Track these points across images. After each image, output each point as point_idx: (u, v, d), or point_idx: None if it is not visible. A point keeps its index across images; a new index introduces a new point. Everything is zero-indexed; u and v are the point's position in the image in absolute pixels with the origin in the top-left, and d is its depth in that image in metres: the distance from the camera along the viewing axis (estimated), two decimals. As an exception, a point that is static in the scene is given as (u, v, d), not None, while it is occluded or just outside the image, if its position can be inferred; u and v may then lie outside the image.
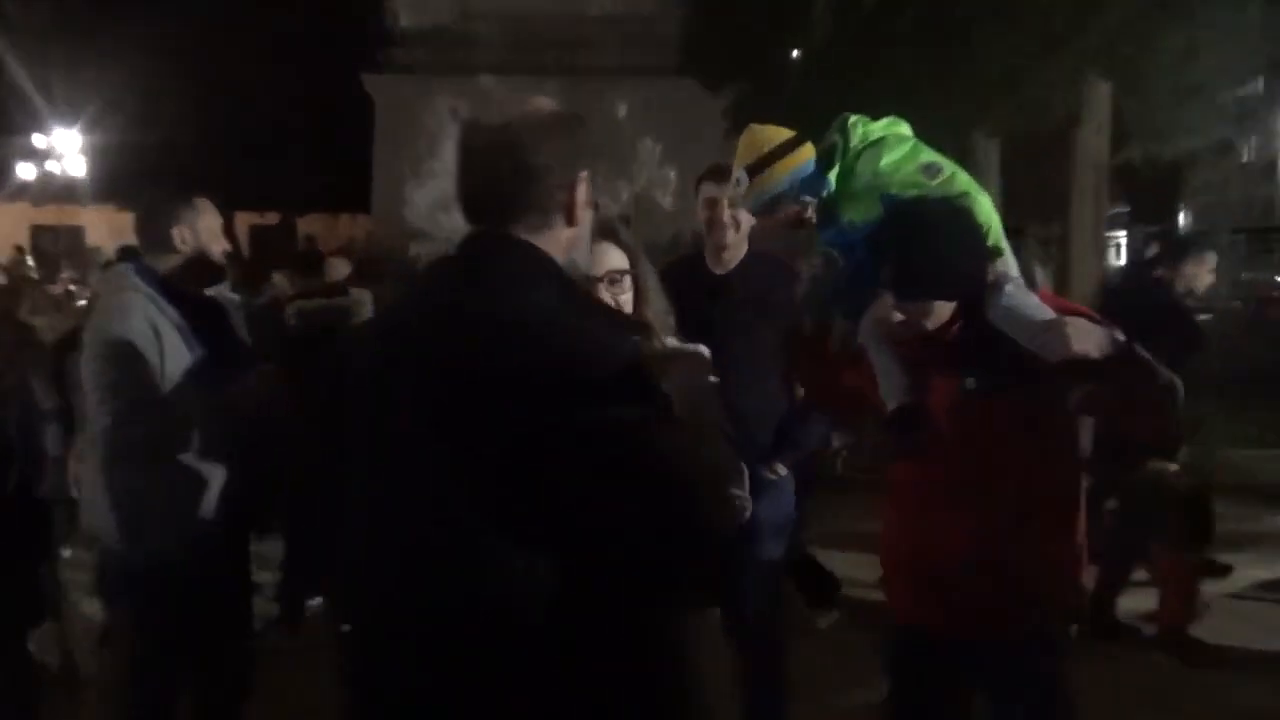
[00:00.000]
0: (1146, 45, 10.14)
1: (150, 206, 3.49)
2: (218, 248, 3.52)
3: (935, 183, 2.49)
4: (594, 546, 1.65)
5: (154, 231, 3.43)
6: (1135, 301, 5.53)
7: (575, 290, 1.77)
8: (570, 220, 1.77)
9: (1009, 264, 2.54)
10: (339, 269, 7.12)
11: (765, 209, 2.65)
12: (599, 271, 2.25)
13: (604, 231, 2.25)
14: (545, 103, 1.82)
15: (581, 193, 1.76)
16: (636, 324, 2.18)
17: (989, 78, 10.28)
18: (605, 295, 2.26)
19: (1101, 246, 12.85)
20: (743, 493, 2.46)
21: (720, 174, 3.67)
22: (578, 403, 1.59)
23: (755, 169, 2.60)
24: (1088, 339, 2.27)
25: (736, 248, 3.66)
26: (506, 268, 1.72)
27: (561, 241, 1.77)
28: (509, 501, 1.62)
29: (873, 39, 11.22)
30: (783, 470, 3.70)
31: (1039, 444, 2.53)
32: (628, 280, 2.30)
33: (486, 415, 1.61)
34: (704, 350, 2.08)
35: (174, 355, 3.26)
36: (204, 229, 3.47)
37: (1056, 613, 2.64)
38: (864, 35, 11.38)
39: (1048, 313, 2.38)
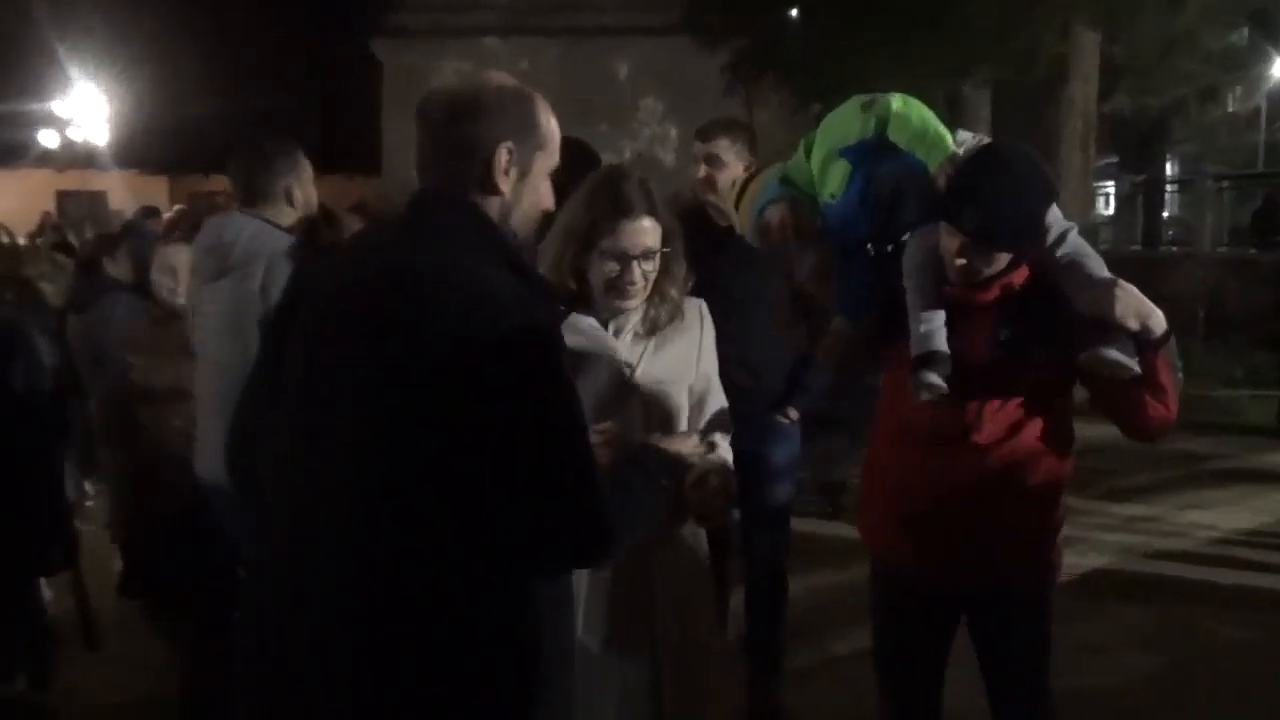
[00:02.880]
0: (1133, -4, 10.00)
1: (257, 162, 3.33)
2: (314, 199, 3.41)
3: (873, 113, 2.52)
4: (465, 519, 1.59)
5: (265, 187, 3.29)
6: None
7: (502, 252, 1.73)
8: (487, 188, 1.76)
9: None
10: (352, 226, 7.12)
11: (762, 217, 2.76)
12: (636, 250, 2.29)
13: (649, 209, 2.29)
14: (496, 76, 1.82)
15: (500, 162, 1.75)
16: (562, 299, 2.21)
17: (979, 29, 10.13)
18: (635, 269, 2.29)
19: (1090, 195, 12.73)
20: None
21: (705, 132, 3.65)
22: (467, 367, 1.56)
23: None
24: (1132, 310, 2.22)
25: (728, 201, 3.59)
26: (430, 226, 1.73)
27: (494, 207, 1.77)
28: (393, 461, 1.59)
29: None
30: (794, 415, 3.69)
31: (1054, 404, 2.47)
32: (659, 256, 2.33)
33: (385, 367, 1.59)
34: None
35: None
36: (307, 182, 3.37)
37: (1043, 568, 2.57)
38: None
39: (1104, 271, 2.33)
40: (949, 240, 2.33)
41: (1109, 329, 2.24)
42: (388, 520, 1.60)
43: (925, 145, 2.46)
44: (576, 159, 2.60)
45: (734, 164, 3.56)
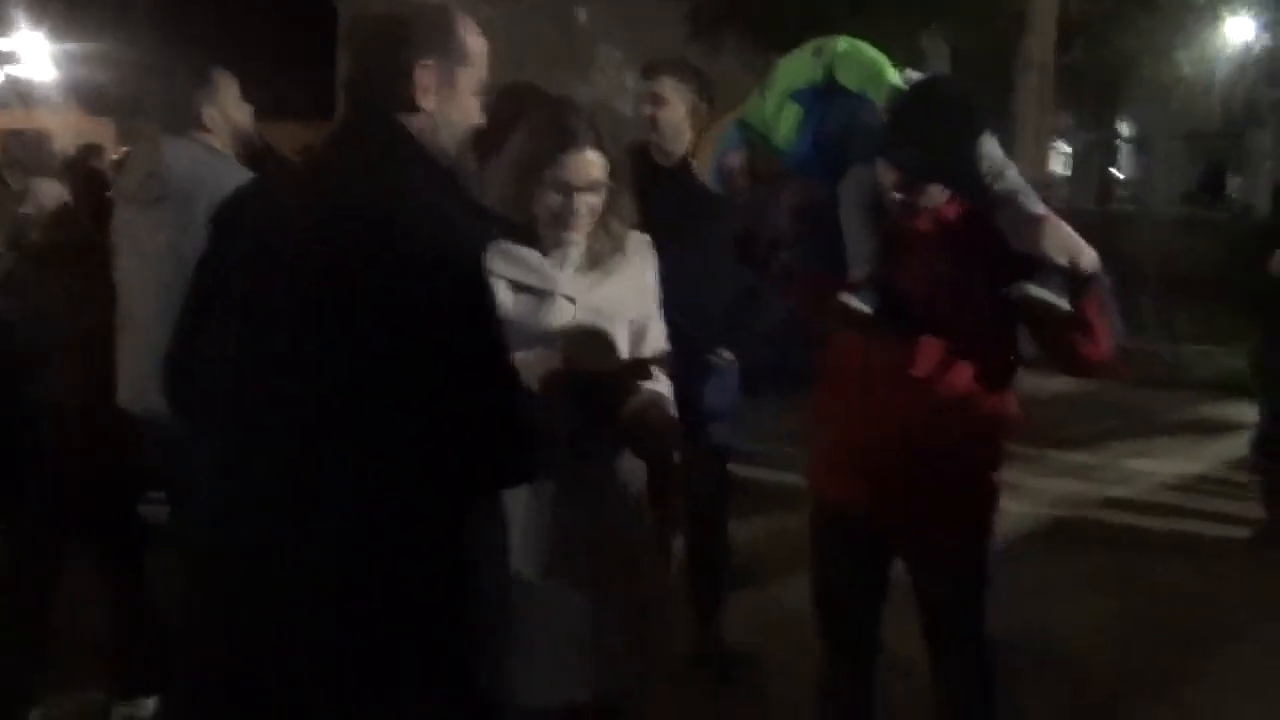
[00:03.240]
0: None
1: (169, 85, 3.23)
2: (246, 122, 3.29)
3: (822, 59, 2.55)
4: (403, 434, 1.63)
5: (180, 110, 3.17)
6: None
7: (431, 171, 1.76)
8: (410, 106, 1.76)
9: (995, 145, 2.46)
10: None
11: (721, 161, 2.77)
12: (580, 181, 2.28)
13: (594, 142, 2.29)
14: None
15: (422, 80, 1.75)
16: (497, 217, 2.23)
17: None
18: (580, 201, 2.28)
19: (1045, 151, 12.77)
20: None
21: (649, 70, 3.61)
22: (403, 282, 1.61)
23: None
24: (1060, 247, 2.23)
25: (674, 140, 3.55)
26: (359, 150, 1.77)
27: (420, 125, 1.78)
28: (330, 372, 1.63)
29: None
30: (727, 355, 3.64)
31: (991, 340, 2.48)
32: (604, 190, 2.33)
33: (324, 285, 1.65)
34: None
35: None
36: (231, 104, 3.25)
37: (982, 510, 2.59)
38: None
39: (1039, 207, 2.36)
40: (885, 174, 2.35)
41: (1040, 265, 2.26)
42: (330, 456, 1.64)
43: (873, 84, 2.47)
44: (532, 105, 2.56)
45: (677, 103, 3.54)
